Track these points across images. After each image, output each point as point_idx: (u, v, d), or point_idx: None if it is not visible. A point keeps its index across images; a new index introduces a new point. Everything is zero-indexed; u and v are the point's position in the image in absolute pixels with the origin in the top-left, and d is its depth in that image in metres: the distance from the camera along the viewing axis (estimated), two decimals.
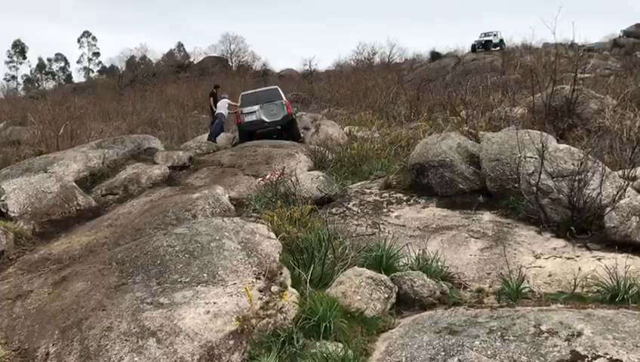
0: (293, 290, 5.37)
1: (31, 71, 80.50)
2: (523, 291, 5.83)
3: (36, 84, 76.17)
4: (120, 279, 5.38)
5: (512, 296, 5.76)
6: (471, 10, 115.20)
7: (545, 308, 5.27)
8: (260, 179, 10.86)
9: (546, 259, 6.75)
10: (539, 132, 8.90)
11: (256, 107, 17.24)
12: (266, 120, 17.05)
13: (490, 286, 6.27)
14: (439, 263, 6.57)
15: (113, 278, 5.41)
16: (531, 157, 7.98)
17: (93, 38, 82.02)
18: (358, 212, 9.02)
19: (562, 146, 8.34)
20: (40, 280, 5.78)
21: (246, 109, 17.34)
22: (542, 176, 7.62)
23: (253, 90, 19.38)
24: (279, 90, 18.53)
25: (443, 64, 44.70)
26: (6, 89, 67.03)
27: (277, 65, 72.89)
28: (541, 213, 7.60)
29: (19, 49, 79.80)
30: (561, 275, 6.27)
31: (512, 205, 8.18)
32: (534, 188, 7.63)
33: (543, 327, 4.54)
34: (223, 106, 18.36)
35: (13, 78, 78.68)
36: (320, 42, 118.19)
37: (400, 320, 5.43)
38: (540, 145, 7.67)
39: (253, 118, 17.13)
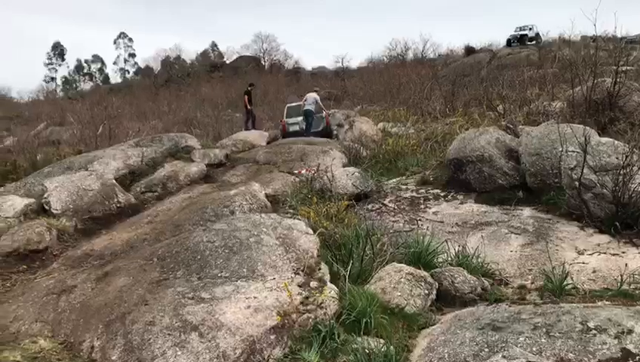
0: (332, 286, 5.34)
1: (69, 72, 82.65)
2: (566, 288, 5.72)
3: (74, 86, 77.97)
4: (161, 274, 5.44)
5: (555, 292, 5.65)
6: (506, 4, 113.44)
7: (590, 304, 5.14)
8: (295, 175, 10.88)
9: (590, 255, 6.59)
10: (580, 126, 8.69)
11: (299, 119, 18.90)
12: None
13: (532, 283, 6.16)
14: (479, 259, 6.48)
15: (154, 273, 5.47)
16: (573, 152, 7.80)
17: (129, 40, 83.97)
18: (394, 208, 8.96)
19: (605, 140, 8.13)
20: (83, 275, 5.89)
21: (290, 120, 19.37)
22: (584, 171, 7.43)
23: (297, 103, 20.46)
24: (318, 100, 19.21)
25: (478, 59, 43.91)
26: (45, 90, 68.84)
27: (309, 63, 73.02)
28: (584, 208, 7.41)
29: (58, 51, 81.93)
30: (606, 272, 6.12)
31: (553, 200, 8.02)
32: (576, 182, 7.44)
33: (591, 324, 4.42)
34: (311, 101, 18.69)
35: (52, 79, 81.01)
36: (352, 39, 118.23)
37: (441, 317, 5.36)
38: (583, 138, 7.48)
39: (296, 128, 18.81)
